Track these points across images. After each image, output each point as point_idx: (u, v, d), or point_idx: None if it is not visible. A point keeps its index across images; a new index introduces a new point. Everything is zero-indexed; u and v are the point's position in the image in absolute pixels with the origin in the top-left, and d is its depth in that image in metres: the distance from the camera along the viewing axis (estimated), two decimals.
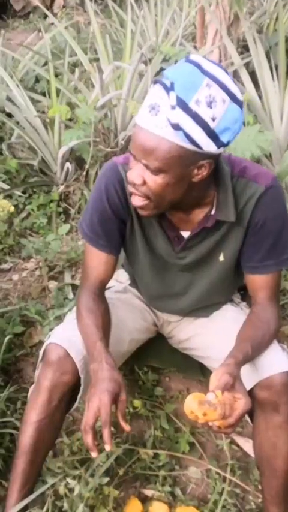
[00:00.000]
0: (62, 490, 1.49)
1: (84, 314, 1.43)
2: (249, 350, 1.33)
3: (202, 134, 1.16)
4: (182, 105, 1.13)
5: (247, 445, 1.76)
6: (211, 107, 1.14)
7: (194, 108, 1.13)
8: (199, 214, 1.40)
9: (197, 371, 1.85)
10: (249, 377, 1.36)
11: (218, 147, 1.19)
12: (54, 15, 5.52)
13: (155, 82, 1.17)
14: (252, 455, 1.54)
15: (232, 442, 1.80)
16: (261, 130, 2.62)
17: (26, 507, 1.41)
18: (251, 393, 1.34)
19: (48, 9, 5.03)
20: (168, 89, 1.13)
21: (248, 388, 1.33)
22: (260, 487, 1.63)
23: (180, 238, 1.44)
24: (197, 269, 1.51)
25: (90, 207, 1.47)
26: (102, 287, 1.52)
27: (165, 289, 1.57)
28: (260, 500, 1.64)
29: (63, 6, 5.64)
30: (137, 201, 1.30)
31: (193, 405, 1.17)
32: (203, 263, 1.49)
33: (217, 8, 2.91)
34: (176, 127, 1.14)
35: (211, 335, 1.62)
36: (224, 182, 1.35)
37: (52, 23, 4.64)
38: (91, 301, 1.46)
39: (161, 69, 3.56)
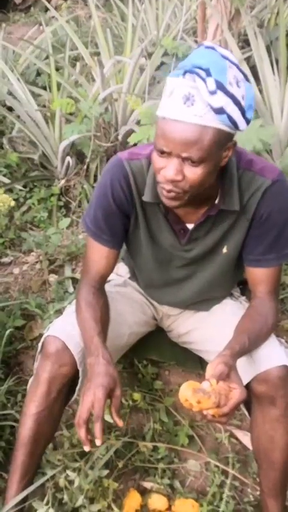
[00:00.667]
0: (62, 482, 1.50)
1: (83, 307, 1.43)
2: (246, 342, 1.34)
3: (239, 114, 1.18)
4: (222, 88, 1.14)
5: (246, 439, 1.77)
6: (239, 86, 1.17)
7: (230, 90, 1.15)
8: (205, 206, 1.40)
9: (196, 364, 1.86)
10: (246, 370, 1.37)
11: (247, 125, 1.23)
12: (55, 8, 5.49)
13: (184, 73, 1.17)
14: (251, 448, 1.55)
15: (231, 435, 1.81)
16: (263, 125, 2.62)
17: (25, 499, 1.43)
18: (248, 387, 1.35)
19: (48, 3, 5.01)
20: (205, 76, 1.14)
21: (246, 381, 1.34)
22: (258, 479, 1.65)
23: (186, 231, 1.45)
24: (201, 261, 1.51)
25: (95, 203, 1.47)
26: (102, 281, 1.52)
27: (167, 280, 1.58)
28: (258, 492, 1.65)
29: (64, 0, 5.62)
30: (170, 194, 1.27)
31: (187, 393, 1.18)
32: (207, 255, 1.50)
33: (218, 2, 2.89)
34: (220, 111, 1.15)
35: (210, 329, 1.63)
36: (230, 172, 1.36)
37: (53, 17, 4.62)
38: (91, 295, 1.46)
39: (162, 64, 3.55)
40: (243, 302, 1.68)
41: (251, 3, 4.58)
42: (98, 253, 1.49)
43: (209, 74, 1.13)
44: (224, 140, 1.20)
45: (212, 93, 1.13)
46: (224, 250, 1.48)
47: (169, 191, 1.26)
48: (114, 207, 1.43)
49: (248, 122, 1.22)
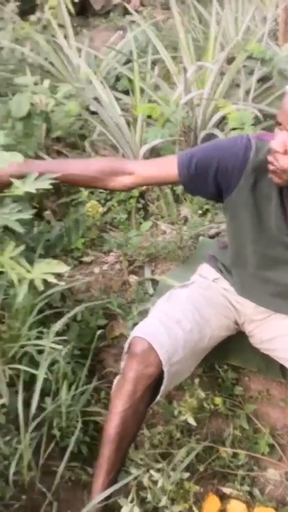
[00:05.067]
0: (146, 481, 1.52)
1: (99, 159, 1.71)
2: None
3: None
4: None
5: None
6: None
7: None
8: None
9: (277, 372, 1.83)
10: None
11: None
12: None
13: None
14: None
15: None
16: None
17: (110, 495, 1.46)
18: None
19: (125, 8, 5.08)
20: None
21: None
22: None
23: None
24: None
25: (201, 147, 1.55)
26: (130, 176, 1.57)
27: (260, 264, 1.56)
28: None
29: (143, 5, 5.68)
30: (270, 166, 1.32)
31: None
32: None
33: None
34: None
35: None
36: None
37: (133, 21, 4.68)
38: (114, 162, 1.68)
39: (244, 67, 3.52)
40: None
41: None
42: (167, 165, 1.53)
43: None
44: None
45: None
46: None
47: (270, 163, 1.29)
48: (216, 163, 1.45)
49: None
